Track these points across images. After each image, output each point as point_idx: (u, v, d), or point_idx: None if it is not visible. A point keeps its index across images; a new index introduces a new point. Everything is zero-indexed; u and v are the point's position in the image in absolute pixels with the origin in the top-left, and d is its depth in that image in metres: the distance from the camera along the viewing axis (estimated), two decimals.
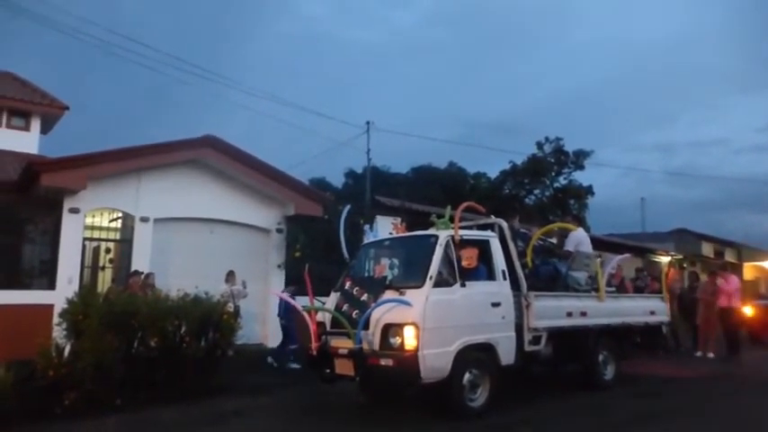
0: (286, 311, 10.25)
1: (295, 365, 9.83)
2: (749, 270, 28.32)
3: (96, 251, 11.67)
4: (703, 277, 14.23)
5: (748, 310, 14.39)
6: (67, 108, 12.78)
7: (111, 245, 11.88)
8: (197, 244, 11.98)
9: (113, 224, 11.96)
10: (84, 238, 11.03)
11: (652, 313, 9.05)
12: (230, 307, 9.29)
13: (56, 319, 7.74)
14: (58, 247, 10.56)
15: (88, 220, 11.16)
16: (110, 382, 6.85)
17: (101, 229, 11.74)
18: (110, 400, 6.81)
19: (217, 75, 61.71)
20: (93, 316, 7.13)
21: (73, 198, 10.54)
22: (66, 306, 7.52)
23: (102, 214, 11.59)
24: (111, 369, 6.88)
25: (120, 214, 11.73)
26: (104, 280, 11.34)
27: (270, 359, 10.51)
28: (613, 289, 9.13)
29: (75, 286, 9.77)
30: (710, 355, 11.74)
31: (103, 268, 11.60)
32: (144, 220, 11.42)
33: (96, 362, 6.76)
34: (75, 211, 10.59)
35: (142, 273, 10.06)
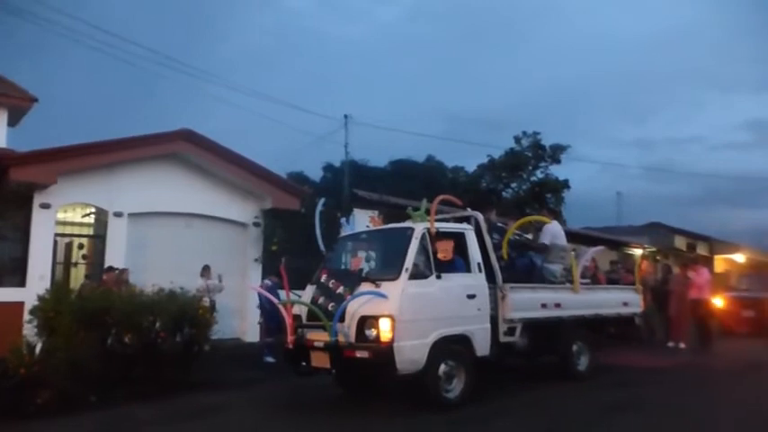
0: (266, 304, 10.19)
1: (270, 359, 9.82)
2: (720, 263, 28.90)
3: (69, 247, 11.49)
4: (676, 270, 14.49)
5: (719, 302, 14.72)
6: (36, 100, 12.50)
7: (85, 240, 11.71)
8: (173, 239, 11.87)
9: (86, 219, 11.78)
10: (56, 234, 10.86)
11: (625, 305, 9.19)
12: (206, 302, 9.23)
13: (27, 317, 7.63)
14: (28, 243, 10.39)
15: (60, 215, 10.98)
16: (84, 379, 6.77)
17: (73, 224, 11.56)
18: (84, 397, 6.74)
19: (195, 68, 60.93)
20: (66, 312, 7.04)
21: (43, 193, 10.36)
22: (37, 303, 7.40)
23: (74, 209, 11.41)
24: (85, 366, 6.79)
25: (93, 209, 11.55)
26: (77, 276, 11.18)
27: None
28: (588, 281, 9.25)
29: (47, 283, 9.61)
30: (682, 345, 11.97)
31: (76, 264, 11.44)
32: (118, 215, 11.27)
33: (69, 359, 6.67)
34: (46, 206, 10.41)
35: (116, 269, 9.94)
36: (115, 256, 10.83)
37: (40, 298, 7.46)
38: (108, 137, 11.14)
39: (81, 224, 11.74)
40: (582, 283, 8.36)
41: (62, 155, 10.36)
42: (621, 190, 53.74)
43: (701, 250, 28.69)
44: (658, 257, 21.11)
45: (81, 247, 11.62)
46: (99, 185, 11.11)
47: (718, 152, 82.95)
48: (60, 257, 11.19)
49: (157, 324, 7.62)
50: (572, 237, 10.14)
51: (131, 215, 11.42)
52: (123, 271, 9.91)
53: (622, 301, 9.20)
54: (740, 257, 28.59)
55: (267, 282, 10.13)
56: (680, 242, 27.83)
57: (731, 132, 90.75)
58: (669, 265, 15.35)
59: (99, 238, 11.51)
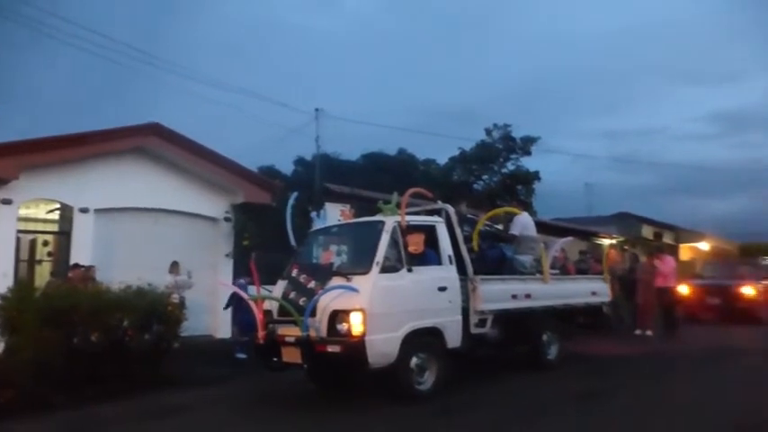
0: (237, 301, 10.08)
1: (242, 355, 9.75)
2: (685, 251, 29.61)
3: (33, 244, 11.23)
4: (643, 259, 14.81)
5: (684, 290, 15.09)
6: None
7: (49, 237, 11.43)
8: (141, 235, 11.66)
9: (51, 216, 11.49)
10: (19, 231, 10.57)
11: (594, 294, 9.33)
12: (175, 298, 9.11)
13: None
14: None
15: (22, 211, 10.69)
16: (49, 378, 6.63)
17: (37, 221, 11.28)
18: (50, 397, 6.59)
19: (162, 59, 59.70)
20: (30, 311, 6.89)
21: (4, 188, 10.06)
22: None
23: (38, 205, 11.12)
24: (51, 365, 6.66)
25: (57, 205, 11.27)
26: (43, 274, 10.92)
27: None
28: (557, 271, 9.38)
29: (10, 281, 9.35)
30: (649, 333, 12.25)
31: (41, 262, 11.18)
32: (84, 210, 11.03)
33: (34, 358, 6.53)
34: (7, 202, 10.12)
35: (83, 266, 9.74)
36: (81, 253, 10.59)
37: (3, 296, 7.28)
38: (74, 131, 10.87)
39: (45, 221, 11.46)
40: (551, 274, 8.47)
41: (24, 148, 10.07)
42: (590, 181, 54.69)
43: (668, 239, 29.32)
44: (626, 247, 21.51)
45: (46, 244, 11.35)
46: (64, 181, 10.84)
47: (683, 143, 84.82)
48: (24, 255, 10.91)
49: (125, 322, 7.49)
50: (542, 228, 10.26)
51: (98, 211, 11.19)
52: (90, 268, 9.71)
53: (591, 290, 9.34)
54: (705, 246, 29.33)
55: (241, 281, 9.99)
56: (647, 231, 28.39)
57: (695, 123, 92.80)
58: (636, 254, 15.68)
59: (64, 235, 11.24)
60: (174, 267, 10.50)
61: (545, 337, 8.27)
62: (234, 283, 9.94)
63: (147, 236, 11.70)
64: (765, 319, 13.90)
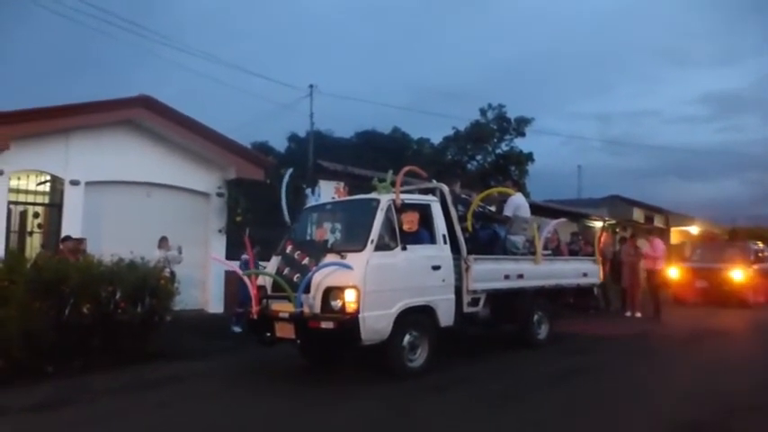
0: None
1: (237, 329, 9.78)
2: (676, 235, 29.79)
3: (23, 216, 11.12)
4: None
5: (674, 273, 15.25)
6: None
7: (40, 209, 11.33)
8: (133, 209, 11.59)
9: (41, 188, 11.38)
10: (9, 202, 10.48)
11: (585, 275, 9.42)
12: (167, 272, 9.08)
13: None
14: None
15: (13, 182, 10.59)
16: (39, 349, 6.62)
17: (27, 192, 11.14)
18: (40, 367, 6.60)
19: (151, 31, 58.71)
20: (20, 282, 6.83)
21: None
22: None
23: (28, 177, 11.00)
24: (41, 336, 6.64)
25: (48, 177, 11.15)
26: (33, 246, 10.83)
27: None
28: (549, 252, 9.43)
29: (1, 252, 9.27)
30: (637, 314, 12.39)
31: (31, 234, 11.08)
32: (74, 183, 10.93)
33: (24, 329, 6.51)
34: None
35: (73, 238, 9.67)
36: (72, 226, 10.52)
37: None
38: (61, 102, 10.71)
39: (36, 192, 11.33)
40: (544, 255, 8.52)
41: (15, 118, 9.93)
42: (582, 163, 54.81)
43: (658, 222, 29.49)
44: (617, 230, 21.63)
45: (36, 215, 11.24)
46: (54, 152, 10.72)
47: (674, 125, 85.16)
48: (14, 226, 10.82)
49: (117, 295, 7.46)
50: (535, 209, 10.26)
51: (89, 183, 11.09)
52: (80, 241, 9.64)
53: (582, 271, 9.42)
54: (695, 229, 29.52)
55: (244, 257, 9.90)
56: (638, 215, 28.52)
57: (687, 106, 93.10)
58: (626, 237, 15.78)
59: (55, 207, 11.16)
60: (163, 242, 10.45)
61: (536, 317, 8.36)
62: (240, 259, 9.86)
63: (138, 210, 11.63)
64: (752, 302, 14.10)
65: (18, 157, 10.17)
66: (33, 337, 6.56)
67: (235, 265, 7.77)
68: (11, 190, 10.53)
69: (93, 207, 11.06)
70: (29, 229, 11.07)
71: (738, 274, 14.46)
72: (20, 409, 5.43)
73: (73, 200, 10.93)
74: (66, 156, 10.87)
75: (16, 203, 10.83)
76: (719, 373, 6.83)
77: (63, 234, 10.13)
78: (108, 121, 11.38)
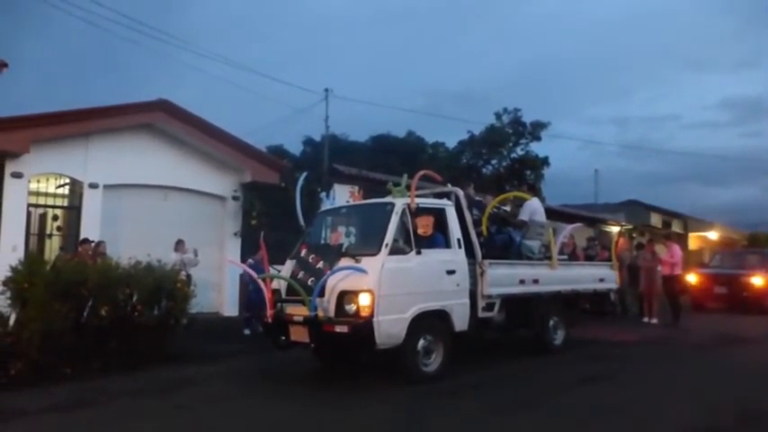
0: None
1: (247, 331, 9.83)
2: (694, 240, 29.45)
3: (43, 218, 11.27)
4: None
5: (692, 278, 15.05)
6: (6, 65, 12.09)
7: (59, 212, 11.48)
8: (150, 211, 11.72)
9: (60, 190, 11.53)
10: (29, 205, 10.65)
11: (601, 281, 9.32)
12: (183, 275, 9.15)
13: None
14: (0, 213, 10.13)
15: (33, 185, 10.75)
16: (58, 351, 6.69)
17: (47, 195, 11.31)
18: (58, 369, 6.66)
19: (169, 35, 59.24)
20: (40, 284, 6.91)
21: (15, 162, 10.12)
22: (9, 274, 7.25)
23: (48, 180, 11.16)
24: (59, 338, 6.71)
25: (67, 180, 11.31)
26: (52, 248, 10.99)
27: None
28: (565, 257, 9.35)
29: (21, 254, 9.41)
30: (654, 320, 12.25)
31: (51, 236, 11.23)
32: (93, 186, 11.07)
33: (43, 331, 6.58)
34: (18, 175, 10.18)
35: (92, 241, 9.79)
36: (90, 228, 10.66)
37: (13, 269, 7.31)
38: (81, 105, 10.88)
39: (55, 195, 11.50)
40: (559, 260, 8.45)
41: (35, 122, 10.10)
42: (599, 168, 54.34)
43: (676, 227, 29.17)
44: (635, 235, 21.41)
45: (56, 218, 11.40)
46: (73, 156, 10.88)
47: (693, 131, 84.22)
48: (34, 228, 10.98)
49: (134, 297, 7.53)
50: (550, 214, 10.19)
51: (107, 187, 11.23)
52: (99, 243, 9.76)
53: (599, 277, 9.32)
54: (713, 235, 29.14)
55: (250, 261, 10.00)
56: (656, 219, 28.26)
57: (706, 111, 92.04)
58: (643, 243, 15.62)
59: (74, 210, 11.30)
60: (180, 245, 10.53)
61: (551, 323, 8.29)
62: (245, 263, 9.96)
63: (156, 212, 11.75)
64: None
65: (38, 161, 10.33)
66: (52, 339, 6.64)
67: (250, 269, 7.81)
68: (30, 193, 10.69)
69: (111, 210, 11.20)
70: (48, 232, 11.23)
71: (758, 281, 14.23)
72: (38, 410, 5.50)
73: (92, 203, 11.07)
74: (86, 159, 11.01)
75: (36, 206, 10.99)
76: (738, 380, 6.71)
77: (81, 236, 10.26)
78: (127, 125, 11.52)
